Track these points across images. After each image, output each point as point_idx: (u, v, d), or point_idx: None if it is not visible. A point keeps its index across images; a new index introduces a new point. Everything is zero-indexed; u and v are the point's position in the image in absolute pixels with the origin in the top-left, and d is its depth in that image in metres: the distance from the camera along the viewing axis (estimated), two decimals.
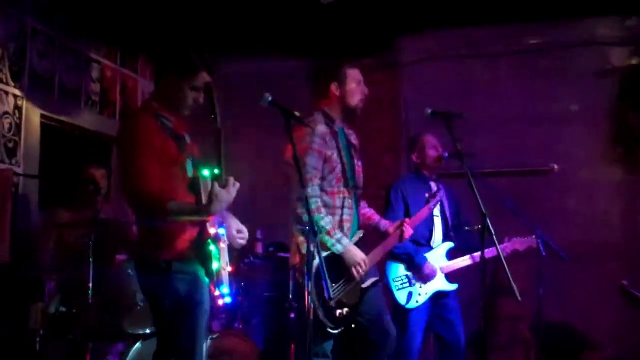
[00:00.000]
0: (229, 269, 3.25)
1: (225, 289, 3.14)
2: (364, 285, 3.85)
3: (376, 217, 4.30)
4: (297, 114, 3.21)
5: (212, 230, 3.14)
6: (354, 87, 4.01)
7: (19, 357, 5.08)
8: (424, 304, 4.64)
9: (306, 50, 6.78)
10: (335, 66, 4.11)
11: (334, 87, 3.99)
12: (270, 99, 3.18)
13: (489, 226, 3.62)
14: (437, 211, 4.80)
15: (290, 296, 4.92)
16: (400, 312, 4.63)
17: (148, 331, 4.28)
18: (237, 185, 3.07)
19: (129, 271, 4.15)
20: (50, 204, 5.22)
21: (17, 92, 5.48)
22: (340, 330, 3.69)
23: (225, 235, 3.23)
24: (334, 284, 3.68)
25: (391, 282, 4.65)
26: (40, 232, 4.68)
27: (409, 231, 4.15)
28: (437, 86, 6.36)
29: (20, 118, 5.49)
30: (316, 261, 3.51)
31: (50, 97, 5.84)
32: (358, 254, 3.83)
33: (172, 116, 3.30)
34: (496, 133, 6.08)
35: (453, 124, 3.89)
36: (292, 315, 4.95)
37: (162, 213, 3.00)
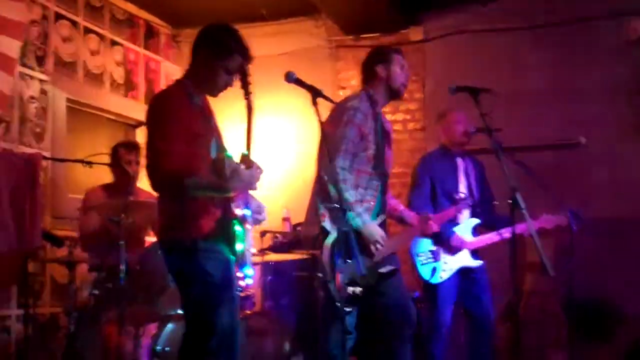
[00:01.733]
0: (254, 250, 3.29)
1: (249, 270, 3.19)
2: (382, 270, 3.84)
3: (400, 207, 4.31)
4: (321, 90, 3.22)
5: (237, 211, 3.18)
6: (399, 70, 4.05)
7: (55, 339, 5.22)
8: (452, 279, 4.66)
9: (328, 27, 6.79)
10: (381, 49, 4.15)
11: (380, 69, 4.02)
12: (295, 76, 3.20)
13: (518, 200, 3.61)
14: (463, 187, 4.81)
15: (320, 274, 4.96)
16: (429, 288, 4.67)
17: (180, 312, 4.36)
18: (262, 170, 3.12)
19: (160, 252, 4.20)
20: (80, 189, 5.30)
21: (42, 77, 5.56)
22: (350, 309, 3.69)
23: (251, 216, 3.27)
24: (348, 261, 3.70)
25: (415, 256, 4.67)
26: (80, 213, 4.73)
27: (432, 228, 4.20)
28: (461, 61, 6.33)
29: (46, 102, 5.57)
30: (332, 237, 3.56)
31: (75, 80, 5.91)
32: (377, 231, 3.83)
33: (203, 96, 3.35)
34: (522, 107, 6.04)
35: (479, 98, 3.88)
36: (322, 295, 5.00)
37: (181, 189, 3.05)
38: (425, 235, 4.37)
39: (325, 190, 3.73)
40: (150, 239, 4.93)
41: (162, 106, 3.20)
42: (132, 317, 4.16)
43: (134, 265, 4.24)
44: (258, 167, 3.18)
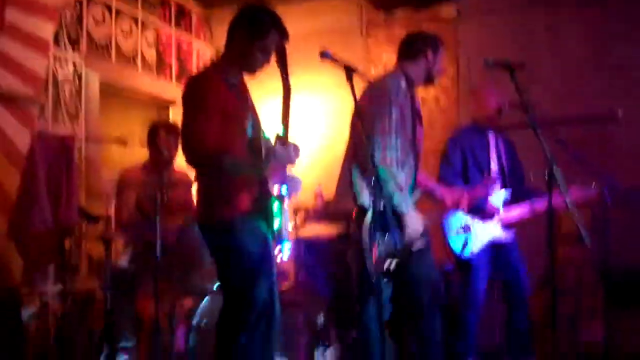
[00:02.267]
0: (290, 226, 3.34)
1: (286, 244, 3.23)
2: (414, 248, 3.88)
3: (431, 183, 4.35)
4: (356, 67, 3.22)
5: (274, 189, 3.22)
6: (440, 62, 4.13)
7: (92, 315, 5.31)
8: (485, 253, 4.67)
9: (359, 4, 6.76)
10: (434, 36, 4.18)
11: (430, 54, 4.05)
12: (330, 54, 3.20)
13: (555, 175, 3.60)
14: (494, 163, 4.81)
15: (354, 248, 4.98)
16: (462, 263, 4.68)
17: (216, 286, 4.42)
18: (299, 149, 3.14)
19: (197, 229, 4.24)
20: (113, 167, 5.37)
21: (76, 58, 5.62)
22: (387, 281, 3.75)
23: (288, 194, 3.30)
24: (386, 235, 3.74)
25: (447, 229, 4.68)
26: (116, 191, 4.80)
27: (463, 207, 4.24)
28: (495, 37, 6.26)
29: (79, 84, 5.63)
30: (369, 213, 3.59)
31: (108, 62, 5.97)
32: (418, 222, 3.87)
33: (240, 76, 3.37)
34: (558, 82, 5.98)
35: (515, 73, 3.86)
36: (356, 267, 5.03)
37: (218, 168, 3.08)
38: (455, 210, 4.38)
39: (365, 165, 3.76)
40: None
41: (198, 86, 3.23)
42: (168, 292, 4.22)
43: (170, 241, 4.29)
44: (295, 147, 3.21)
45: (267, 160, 3.12)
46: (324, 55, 3.21)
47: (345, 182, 3.94)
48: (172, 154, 4.82)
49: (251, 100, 3.43)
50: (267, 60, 3.34)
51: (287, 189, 3.34)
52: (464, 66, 6.49)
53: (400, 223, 3.79)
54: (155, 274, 4.03)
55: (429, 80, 4.16)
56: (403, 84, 3.95)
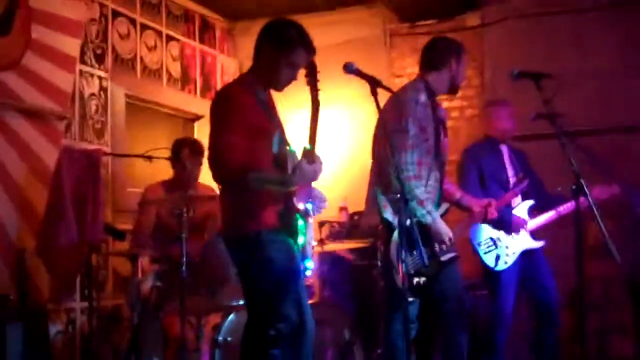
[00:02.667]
0: (314, 243, 3.34)
1: (310, 263, 3.22)
2: (443, 259, 3.85)
3: (458, 193, 4.32)
4: (381, 80, 3.21)
5: (300, 205, 3.21)
6: (463, 69, 4.10)
7: (119, 331, 5.32)
8: (513, 264, 4.62)
9: (383, 16, 6.75)
10: (455, 41, 4.14)
11: (454, 61, 4.01)
12: (354, 67, 3.19)
13: (582, 186, 3.56)
14: (511, 172, 4.79)
15: (379, 264, 4.97)
16: (491, 276, 4.63)
17: (242, 302, 4.41)
18: (322, 165, 3.14)
19: (221, 245, 4.24)
20: (140, 183, 5.40)
21: (102, 74, 5.66)
22: (414, 298, 3.73)
23: (313, 210, 3.29)
24: (414, 252, 3.72)
25: (476, 246, 4.64)
26: (138, 208, 4.82)
27: (493, 214, 4.23)
28: (520, 46, 6.22)
29: (105, 99, 5.68)
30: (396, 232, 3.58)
31: (133, 76, 6.01)
32: (445, 229, 3.86)
33: (267, 91, 3.37)
34: (586, 90, 5.91)
35: (541, 83, 3.83)
36: (382, 284, 5.01)
37: (244, 183, 3.08)
38: (486, 221, 4.36)
39: (386, 181, 3.75)
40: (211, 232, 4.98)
41: (225, 100, 3.24)
42: (194, 308, 4.21)
43: (195, 257, 4.29)
44: (320, 162, 3.21)
45: (293, 176, 3.11)
46: (347, 68, 3.20)
47: (372, 198, 3.94)
48: (197, 172, 4.82)
49: (278, 116, 3.43)
50: (294, 76, 3.33)
51: (313, 207, 3.33)
52: (489, 76, 6.46)
53: (427, 237, 3.77)
54: (181, 291, 4.04)
55: (452, 89, 4.12)
56: (422, 96, 3.91)
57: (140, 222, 4.77)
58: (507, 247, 4.63)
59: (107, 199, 5.46)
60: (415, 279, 3.73)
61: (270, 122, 3.30)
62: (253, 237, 3.18)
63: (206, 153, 3.28)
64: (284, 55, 3.27)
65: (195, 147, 4.84)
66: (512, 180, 4.75)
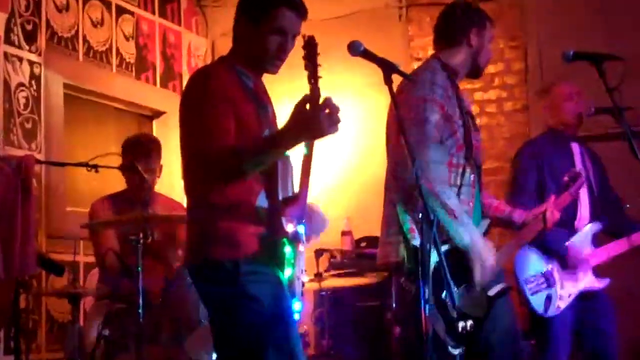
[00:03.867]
0: (305, 278, 3.31)
1: (297, 304, 3.20)
2: (491, 293, 3.81)
3: (506, 208, 4.22)
4: (397, 65, 3.19)
5: (289, 227, 3.18)
6: (488, 45, 4.01)
7: None
8: (567, 308, 4.62)
9: None
10: (477, 9, 4.09)
11: (473, 34, 3.98)
12: (362, 48, 3.17)
13: None
14: None
15: (394, 305, 4.95)
16: (539, 322, 4.63)
17: (215, 356, 4.38)
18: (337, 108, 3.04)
19: (189, 279, 4.23)
20: (83, 200, 5.38)
21: (33, 57, 5.64)
22: (462, 349, 3.70)
23: (306, 233, 3.27)
24: (455, 289, 3.69)
25: (523, 284, 4.62)
26: (90, 233, 4.81)
27: (555, 215, 4.10)
28: (575, 20, 6.24)
29: (38, 90, 5.66)
30: (433, 259, 3.51)
31: (74, 60, 5.99)
32: (488, 251, 3.80)
33: (258, 78, 3.35)
34: None
35: (603, 68, 3.83)
36: (398, 330, 4.99)
37: (234, 171, 3.08)
38: (547, 227, 4.19)
39: (408, 194, 3.71)
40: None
41: (207, 82, 3.20)
42: None
43: (155, 295, 4.29)
44: (333, 106, 3.10)
45: (292, 125, 3.01)
46: (353, 48, 3.18)
47: (389, 218, 3.87)
48: (155, 179, 4.82)
49: (271, 107, 3.41)
50: (285, 48, 3.30)
51: (306, 229, 3.30)
52: (534, 60, 6.47)
53: (463, 267, 3.75)
54: (138, 340, 4.02)
55: (474, 71, 4.04)
56: (440, 77, 3.88)
57: (99, 248, 4.75)
58: (561, 287, 4.62)
59: (40, 221, 5.43)
60: (461, 324, 3.70)
61: (259, 115, 3.28)
62: (228, 268, 3.15)
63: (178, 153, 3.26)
64: (265, 20, 3.26)
65: (153, 146, 4.84)
66: (581, 191, 4.69)
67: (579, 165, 4.79)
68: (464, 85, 6.58)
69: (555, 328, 4.60)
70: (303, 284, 3.32)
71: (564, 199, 4.30)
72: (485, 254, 3.76)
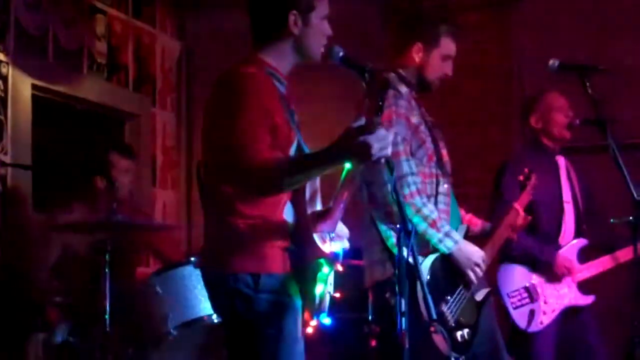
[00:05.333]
0: (335, 294, 3.28)
1: (326, 319, 3.18)
2: (478, 298, 3.86)
3: (477, 221, 4.27)
4: (377, 71, 3.17)
5: (325, 248, 3.15)
6: (439, 62, 3.97)
7: None
8: (551, 324, 4.65)
9: None
10: (427, 19, 4.08)
11: (415, 50, 3.97)
12: (341, 54, 3.16)
13: None
14: (567, 196, 4.80)
15: (370, 317, 4.95)
16: (520, 338, 4.64)
17: None
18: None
19: (157, 288, 4.22)
20: (49, 202, 5.35)
21: (1, 57, 5.60)
22: (462, 358, 3.73)
23: (342, 253, 3.24)
24: (448, 297, 3.72)
25: (505, 297, 4.64)
26: (37, 238, 4.78)
27: (522, 217, 4.13)
28: (563, 27, 6.27)
29: (5, 90, 5.62)
30: (425, 270, 3.56)
31: (44, 61, 5.95)
32: (474, 251, 3.83)
33: (285, 81, 3.27)
34: None
35: (589, 80, 3.85)
36: (373, 344, 4.99)
37: (276, 188, 3.03)
38: (517, 227, 4.22)
39: (386, 209, 3.73)
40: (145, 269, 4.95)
41: (245, 87, 3.11)
42: None
43: (122, 305, 4.26)
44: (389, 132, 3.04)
45: (344, 141, 2.89)
46: (332, 55, 3.18)
47: (372, 241, 3.89)
48: (125, 184, 4.81)
49: (297, 116, 3.37)
50: (325, 34, 3.26)
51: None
52: (520, 67, 6.48)
53: (447, 277, 3.77)
54: (101, 351, 4.01)
55: (421, 86, 4.01)
56: (401, 87, 3.90)
57: (39, 259, 4.73)
58: (545, 303, 4.64)
59: (3, 227, 5.38)
60: (459, 333, 3.73)
61: (290, 125, 3.23)
62: (247, 282, 3.12)
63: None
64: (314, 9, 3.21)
65: (125, 148, 4.83)
66: (566, 205, 4.73)
67: (564, 179, 4.83)
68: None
69: (538, 344, 4.62)
70: (331, 298, 3.30)
71: (522, 200, 4.32)
72: (473, 256, 3.80)
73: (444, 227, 3.79)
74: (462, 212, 4.24)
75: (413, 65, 3.96)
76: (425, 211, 3.75)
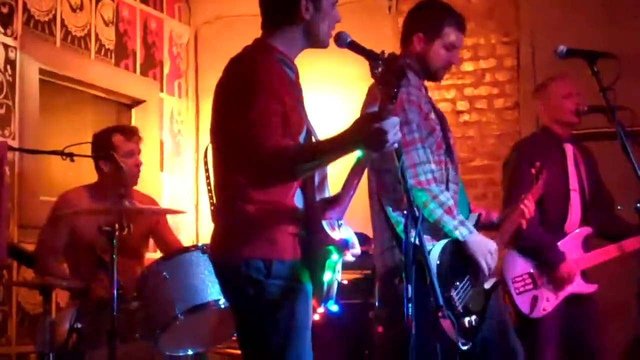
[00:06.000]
0: (343, 280, 3.28)
1: (334, 306, 3.19)
2: (487, 286, 3.88)
3: (483, 211, 4.24)
4: (385, 55, 3.16)
5: (335, 234, 3.16)
6: (443, 51, 3.97)
7: None
8: (555, 311, 4.66)
9: None
10: (432, 10, 4.08)
11: (416, 39, 3.99)
12: (349, 39, 3.16)
13: None
14: (574, 183, 4.80)
15: (377, 303, 4.95)
16: (525, 324, 4.67)
17: (190, 352, 4.37)
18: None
19: (165, 274, 4.22)
20: (57, 189, 5.36)
21: (8, 41, 5.62)
22: (469, 346, 3.74)
23: (352, 241, 3.24)
24: (457, 283, 3.74)
25: (509, 282, 4.66)
26: (47, 222, 4.79)
27: (531, 208, 4.10)
28: (571, 14, 6.25)
29: (13, 75, 5.63)
30: (434, 256, 3.58)
31: (51, 45, 5.96)
32: (486, 240, 3.85)
33: (295, 65, 3.28)
34: None
35: (597, 66, 3.84)
36: (380, 330, 4.99)
37: (289, 175, 3.04)
38: (525, 220, 4.21)
39: (396, 196, 3.75)
40: (152, 255, 4.96)
41: (256, 73, 3.08)
42: (127, 359, 4.19)
43: (129, 291, 4.28)
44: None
45: (360, 127, 2.89)
46: (340, 40, 3.17)
47: (382, 229, 3.91)
48: (135, 171, 4.81)
49: (304, 103, 3.37)
50: (335, 20, 3.28)
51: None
52: (527, 56, 6.47)
53: (458, 264, 3.78)
54: (111, 336, 4.02)
55: (426, 74, 4.03)
56: (413, 76, 3.92)
57: (43, 242, 4.76)
58: (548, 290, 4.65)
59: (12, 209, 5.41)
60: (467, 319, 3.74)
61: (299, 110, 3.23)
62: (259, 268, 3.13)
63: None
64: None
65: (128, 129, 4.85)
66: (572, 193, 4.73)
67: (571, 167, 4.83)
68: (456, 80, 6.65)
69: (543, 330, 4.64)
70: (339, 284, 3.31)
71: (534, 193, 4.32)
72: (487, 245, 3.82)
73: (457, 216, 3.81)
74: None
75: (416, 54, 3.97)
76: (442, 198, 3.77)
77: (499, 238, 4.07)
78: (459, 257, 3.82)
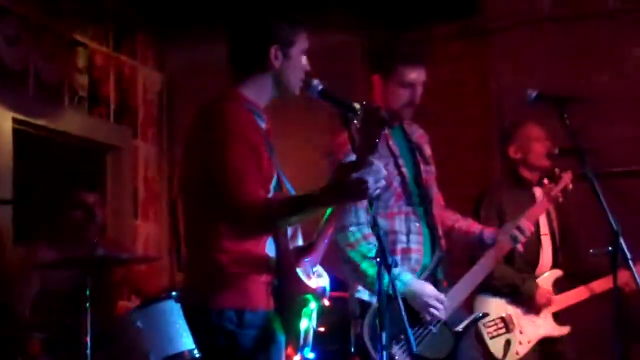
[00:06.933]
0: (319, 328, 3.26)
1: (310, 354, 3.17)
2: (458, 329, 3.83)
3: (476, 229, 4.21)
4: (357, 106, 3.15)
5: (311, 283, 3.14)
6: (398, 91, 3.94)
7: None
8: (528, 354, 4.66)
9: (363, 18, 6.78)
10: (374, 49, 4.09)
11: (375, 79, 3.98)
12: (320, 87, 3.15)
13: (622, 247, 3.59)
14: (544, 228, 4.81)
15: (353, 349, 4.93)
16: None
17: None
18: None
19: (138, 323, 4.20)
20: (29, 237, 5.32)
21: None
22: None
23: (328, 287, 3.23)
24: (401, 336, 3.70)
25: (481, 327, 4.65)
26: (17, 274, 4.76)
27: (529, 228, 4.10)
28: (540, 58, 6.31)
29: None
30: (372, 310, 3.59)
31: (24, 94, 5.94)
32: (425, 289, 3.78)
33: (264, 111, 3.26)
34: (624, 120, 5.99)
35: (566, 111, 3.88)
36: None
37: (269, 227, 3.04)
38: (517, 243, 4.18)
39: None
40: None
41: (229, 123, 3.09)
42: None
43: (103, 340, 4.24)
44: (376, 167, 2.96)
45: (335, 184, 3.02)
46: (311, 89, 3.16)
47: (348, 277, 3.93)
48: (99, 217, 4.90)
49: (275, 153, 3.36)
50: (304, 69, 3.27)
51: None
52: (495, 99, 6.50)
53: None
54: None
55: (391, 116, 3.85)
56: None
57: (20, 295, 4.73)
58: (520, 333, 4.65)
59: None
60: None
61: (271, 160, 3.22)
62: (231, 318, 3.11)
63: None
64: (294, 44, 3.23)
65: (89, 187, 4.84)
66: (543, 237, 4.74)
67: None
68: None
69: None
70: (315, 331, 3.28)
71: (537, 212, 4.35)
72: (422, 297, 3.76)
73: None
74: (459, 218, 4.25)
75: (378, 97, 3.94)
76: (365, 251, 3.76)
77: (485, 260, 4.06)
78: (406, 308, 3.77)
